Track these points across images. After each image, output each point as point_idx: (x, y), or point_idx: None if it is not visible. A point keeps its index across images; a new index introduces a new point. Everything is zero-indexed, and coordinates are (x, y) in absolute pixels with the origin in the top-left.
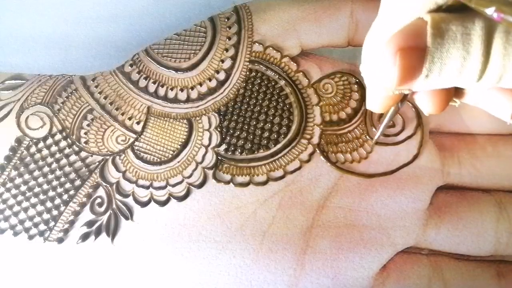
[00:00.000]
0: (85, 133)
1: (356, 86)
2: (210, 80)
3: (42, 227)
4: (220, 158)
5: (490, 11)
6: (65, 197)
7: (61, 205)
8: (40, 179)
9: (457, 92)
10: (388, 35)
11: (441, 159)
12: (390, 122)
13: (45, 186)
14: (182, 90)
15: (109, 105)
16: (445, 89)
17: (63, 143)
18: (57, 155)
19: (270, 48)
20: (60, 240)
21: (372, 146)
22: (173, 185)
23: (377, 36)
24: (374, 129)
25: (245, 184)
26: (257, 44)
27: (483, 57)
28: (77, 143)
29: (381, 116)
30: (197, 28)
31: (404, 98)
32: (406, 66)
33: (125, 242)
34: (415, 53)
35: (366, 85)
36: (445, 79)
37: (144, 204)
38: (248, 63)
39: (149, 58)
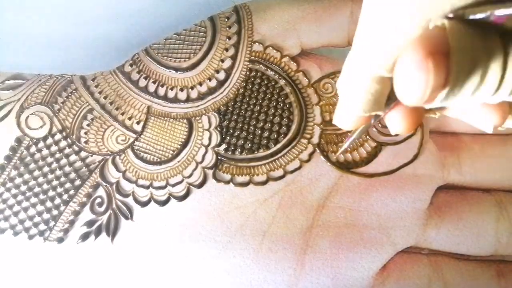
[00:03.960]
0: (85, 133)
1: None
2: (210, 79)
3: (42, 226)
4: (220, 157)
5: (487, 15)
6: (65, 197)
7: (61, 204)
8: (40, 179)
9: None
10: (377, 54)
11: (441, 159)
12: (359, 138)
13: (45, 186)
14: (182, 89)
15: (109, 105)
16: (417, 109)
17: (63, 143)
18: (57, 155)
19: (270, 47)
20: (60, 240)
21: (337, 157)
22: (173, 185)
23: (363, 55)
24: (374, 129)
25: (245, 184)
26: (257, 43)
27: (502, 69)
28: (77, 143)
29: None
30: (197, 28)
31: (376, 117)
32: (439, 74)
33: (125, 242)
34: (442, 59)
35: (339, 101)
36: (465, 93)
37: (144, 204)
38: (248, 63)
39: (149, 58)
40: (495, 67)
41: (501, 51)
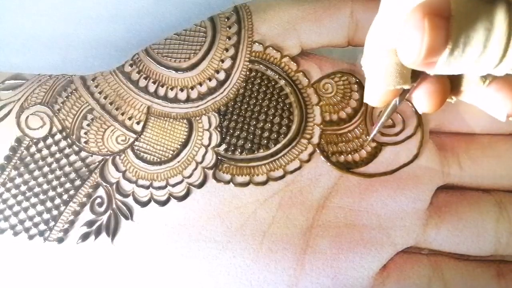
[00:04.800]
0: (85, 133)
1: (356, 85)
2: (210, 80)
3: (42, 227)
4: (220, 158)
5: None
6: (65, 197)
7: (61, 205)
8: (40, 179)
9: (453, 89)
10: (393, 25)
11: (441, 159)
12: (388, 120)
13: (45, 186)
14: (182, 90)
15: (109, 105)
16: (442, 87)
17: (63, 143)
18: (57, 155)
19: (270, 48)
20: (60, 240)
21: (368, 143)
22: (173, 185)
23: (382, 28)
24: None
25: (245, 184)
26: (257, 44)
27: (506, 36)
28: (77, 143)
29: (379, 114)
30: (197, 28)
31: (402, 95)
32: (435, 33)
33: (125, 242)
34: (441, 21)
35: (366, 79)
36: (467, 59)
37: (144, 204)
38: (248, 63)
39: (149, 58)
40: (498, 35)
41: (505, 19)
